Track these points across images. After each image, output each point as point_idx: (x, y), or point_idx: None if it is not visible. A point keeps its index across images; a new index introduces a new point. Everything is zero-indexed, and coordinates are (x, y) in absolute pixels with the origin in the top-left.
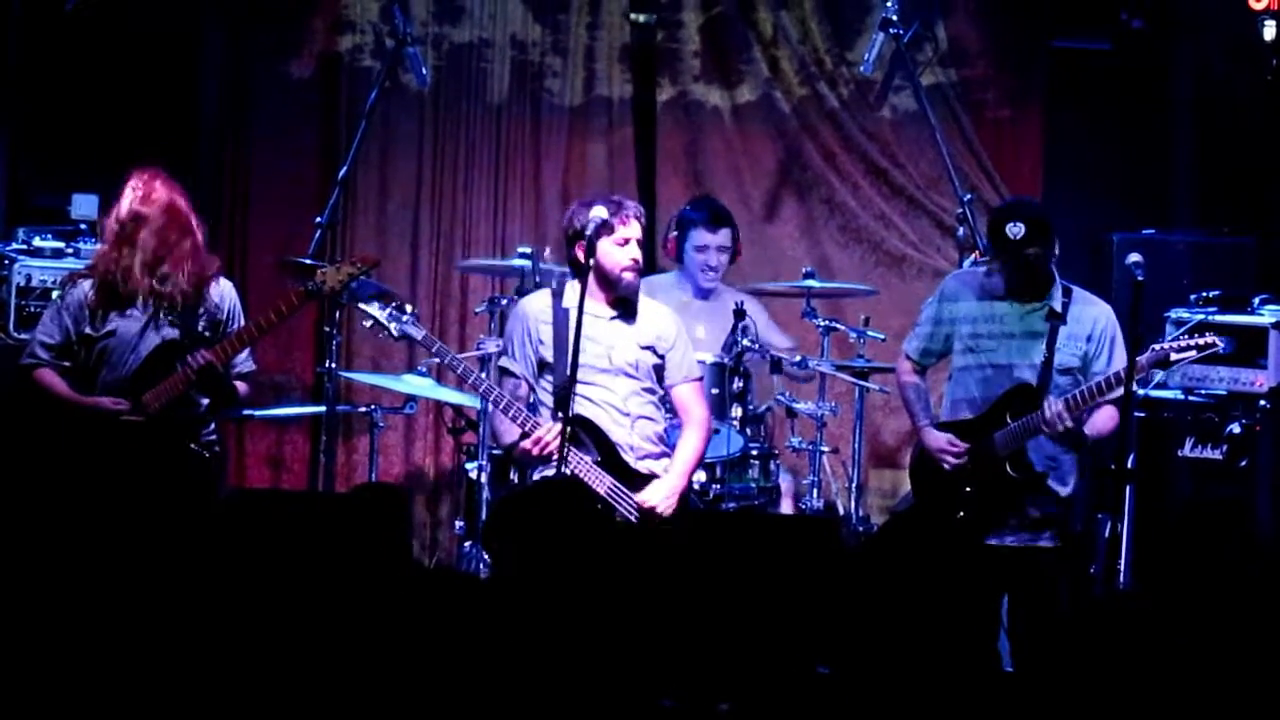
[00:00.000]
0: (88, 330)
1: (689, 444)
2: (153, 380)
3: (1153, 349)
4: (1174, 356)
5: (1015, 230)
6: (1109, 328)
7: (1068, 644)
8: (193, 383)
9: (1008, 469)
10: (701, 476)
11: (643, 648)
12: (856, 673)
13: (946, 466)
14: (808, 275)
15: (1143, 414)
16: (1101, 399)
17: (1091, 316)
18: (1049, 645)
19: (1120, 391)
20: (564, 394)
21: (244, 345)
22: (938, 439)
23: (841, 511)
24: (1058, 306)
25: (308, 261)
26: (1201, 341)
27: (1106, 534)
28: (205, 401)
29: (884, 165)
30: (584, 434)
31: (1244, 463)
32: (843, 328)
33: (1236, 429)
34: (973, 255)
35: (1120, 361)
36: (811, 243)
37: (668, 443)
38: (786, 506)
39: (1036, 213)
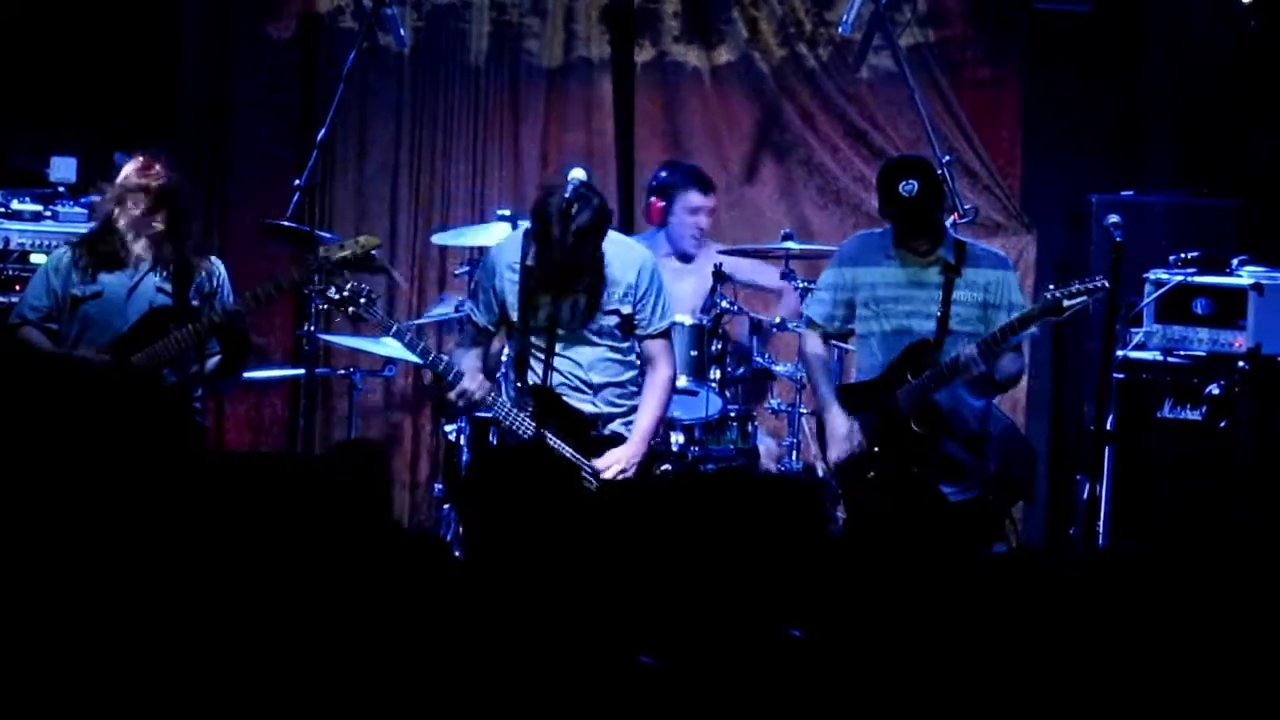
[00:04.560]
0: (75, 292)
1: (647, 408)
2: (141, 346)
3: (1043, 296)
4: (1066, 303)
5: (908, 188)
6: (1007, 280)
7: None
8: (194, 343)
9: (912, 425)
10: (680, 439)
11: (620, 607)
12: (832, 636)
13: (833, 456)
14: (786, 237)
15: (1122, 375)
16: (1008, 343)
17: (989, 269)
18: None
19: (1022, 337)
20: (524, 356)
21: (240, 317)
22: (840, 426)
23: (820, 474)
24: (950, 259)
25: (290, 225)
26: (1091, 285)
27: (1085, 496)
28: (195, 367)
29: (863, 127)
30: (546, 405)
31: (1223, 424)
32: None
33: (1215, 390)
34: (952, 217)
35: (1020, 303)
36: (790, 204)
37: (637, 389)
38: (766, 469)
39: (927, 169)
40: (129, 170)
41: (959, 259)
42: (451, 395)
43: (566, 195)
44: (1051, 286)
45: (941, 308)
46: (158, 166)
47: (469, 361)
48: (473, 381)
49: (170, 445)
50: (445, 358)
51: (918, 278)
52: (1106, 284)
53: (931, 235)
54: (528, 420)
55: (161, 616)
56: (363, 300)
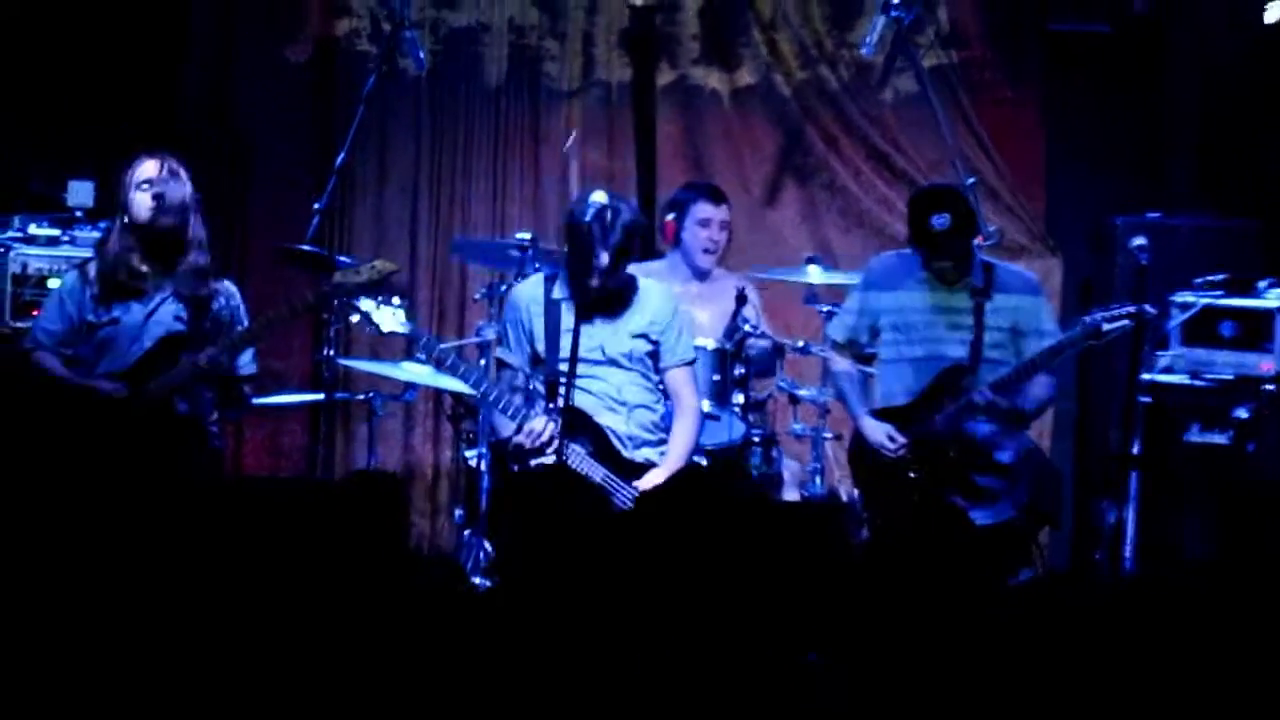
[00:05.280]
0: (90, 318)
1: (681, 434)
2: (155, 373)
3: (1082, 321)
4: (1106, 327)
5: (941, 222)
6: (1038, 305)
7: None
8: (200, 375)
9: (949, 451)
10: (702, 463)
11: (638, 631)
12: (852, 662)
13: (888, 455)
14: (810, 261)
15: (1148, 399)
16: (1035, 376)
17: (1018, 294)
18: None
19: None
20: (555, 382)
21: (254, 339)
22: (877, 431)
23: (845, 499)
24: (979, 283)
25: (308, 249)
26: (1130, 310)
27: (1111, 521)
28: (210, 394)
29: (886, 149)
30: (577, 424)
31: (1251, 447)
32: None
33: (1243, 414)
34: (975, 240)
35: (1052, 330)
36: (813, 228)
37: (666, 428)
38: (790, 494)
39: (959, 201)
40: (149, 208)
41: (988, 282)
42: (520, 438)
43: (602, 203)
44: (1093, 310)
45: (974, 332)
46: (171, 195)
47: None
48: (541, 421)
49: (182, 472)
50: (503, 393)
51: (947, 302)
52: (1152, 310)
53: (962, 264)
54: (567, 443)
55: (174, 641)
56: (396, 310)
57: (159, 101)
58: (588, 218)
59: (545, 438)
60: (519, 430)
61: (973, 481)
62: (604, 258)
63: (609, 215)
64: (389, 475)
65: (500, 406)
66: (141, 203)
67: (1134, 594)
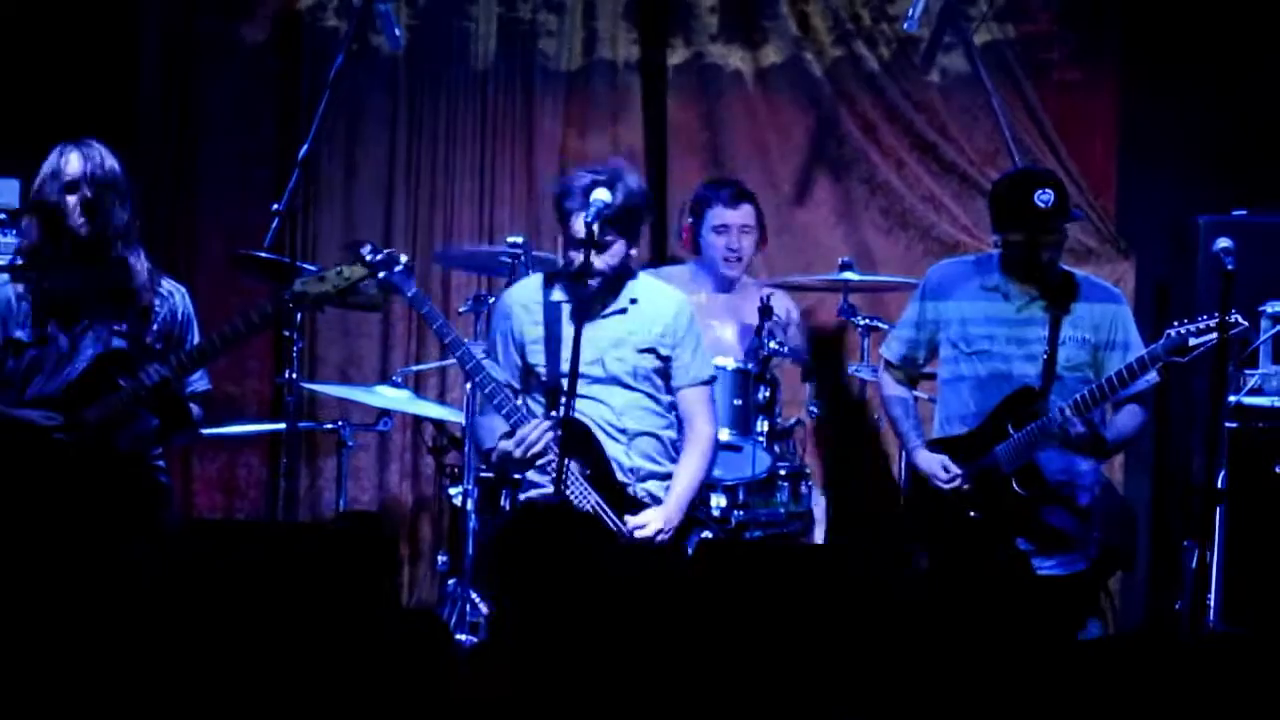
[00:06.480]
0: (18, 334)
1: (689, 467)
2: (92, 395)
3: (1167, 334)
4: (1192, 341)
5: (1046, 198)
6: (1121, 316)
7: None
8: (142, 401)
9: (1014, 486)
10: (722, 501)
11: (657, 694)
12: None
13: (940, 487)
14: (845, 266)
15: (1234, 424)
16: (1116, 396)
17: (1100, 305)
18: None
19: (1139, 386)
20: (556, 389)
21: (205, 361)
22: (930, 461)
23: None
24: (1058, 293)
25: (267, 256)
26: (1214, 323)
27: (1194, 564)
28: (155, 422)
29: (933, 138)
30: (576, 441)
31: None
32: (886, 327)
33: None
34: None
35: (1136, 344)
36: (849, 229)
37: (676, 454)
38: (821, 534)
39: (1059, 180)
40: (79, 220)
41: (1067, 292)
42: (510, 445)
43: (591, 175)
44: (1173, 322)
45: (1048, 348)
46: (105, 199)
47: (500, 426)
48: (538, 428)
49: (126, 519)
50: (499, 388)
51: (1019, 313)
52: (1244, 322)
53: (1053, 260)
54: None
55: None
56: (398, 269)
57: (102, 90)
58: (571, 188)
59: (539, 447)
60: (511, 433)
61: (1043, 522)
62: (578, 225)
63: (591, 186)
64: (374, 517)
65: (496, 402)
66: (70, 209)
67: (1221, 653)
